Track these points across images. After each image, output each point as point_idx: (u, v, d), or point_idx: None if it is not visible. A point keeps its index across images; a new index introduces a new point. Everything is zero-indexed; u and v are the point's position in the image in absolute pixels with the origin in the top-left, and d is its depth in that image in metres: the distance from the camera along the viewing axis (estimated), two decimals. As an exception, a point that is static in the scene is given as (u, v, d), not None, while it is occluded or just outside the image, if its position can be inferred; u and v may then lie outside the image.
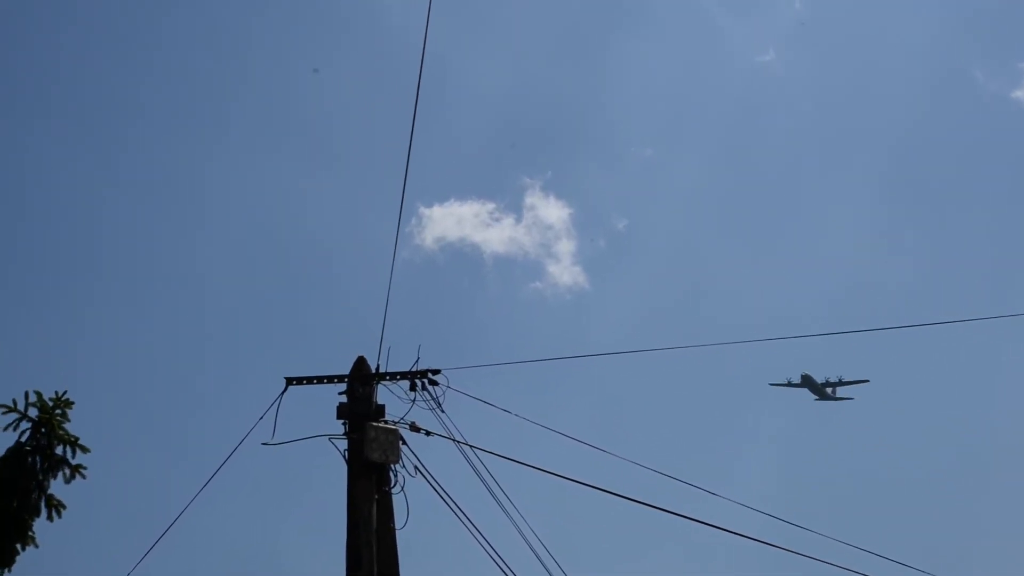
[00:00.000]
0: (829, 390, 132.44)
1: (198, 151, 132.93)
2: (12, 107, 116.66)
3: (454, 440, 18.39)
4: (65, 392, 22.92)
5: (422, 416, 18.34)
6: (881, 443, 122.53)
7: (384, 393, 18.47)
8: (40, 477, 22.46)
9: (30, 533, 22.26)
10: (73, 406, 22.90)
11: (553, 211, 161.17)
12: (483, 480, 18.57)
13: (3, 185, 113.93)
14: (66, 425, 22.82)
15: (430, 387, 18.47)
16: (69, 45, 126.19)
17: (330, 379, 18.49)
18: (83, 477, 22.81)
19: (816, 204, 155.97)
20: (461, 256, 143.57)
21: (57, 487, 22.67)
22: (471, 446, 18.43)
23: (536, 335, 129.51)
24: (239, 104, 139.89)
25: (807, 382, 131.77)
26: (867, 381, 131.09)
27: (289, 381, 18.44)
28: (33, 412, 22.68)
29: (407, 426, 18.22)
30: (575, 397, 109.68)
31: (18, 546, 22.15)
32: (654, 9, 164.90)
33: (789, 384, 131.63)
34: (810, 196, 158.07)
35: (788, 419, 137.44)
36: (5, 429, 22.52)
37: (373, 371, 18.40)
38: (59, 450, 22.71)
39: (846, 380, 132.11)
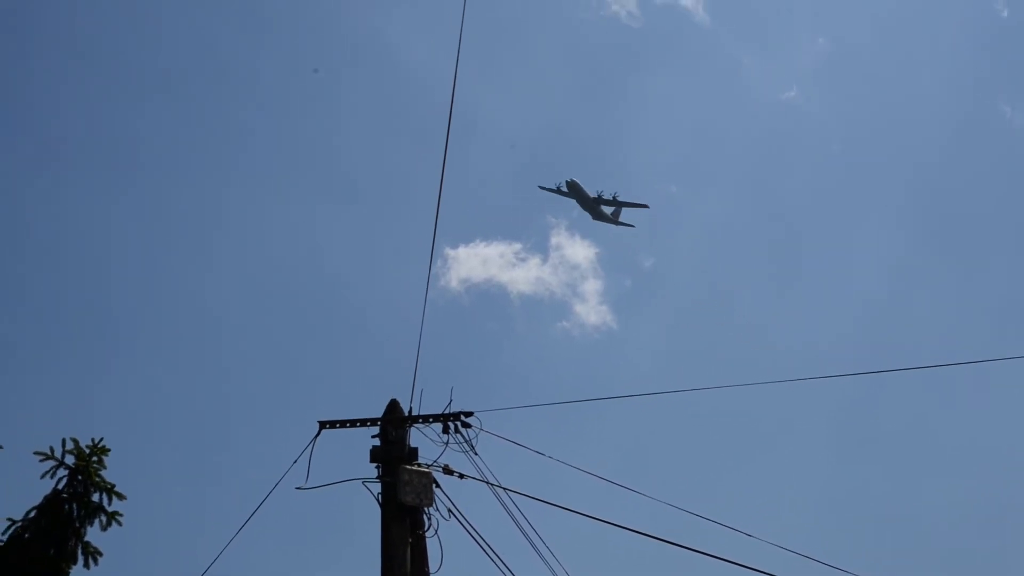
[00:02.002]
0: (609, 210, 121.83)
1: (228, 195, 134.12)
2: (17, 149, 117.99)
3: (487, 483, 18.36)
4: (101, 439, 23.09)
5: (455, 458, 18.32)
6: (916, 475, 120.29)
7: (417, 436, 18.44)
8: (77, 524, 22.59)
9: (67, 581, 22.36)
10: (109, 453, 23.08)
11: (579, 251, 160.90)
12: (517, 522, 18.55)
13: (23, 236, 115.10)
14: (102, 472, 22.98)
15: (463, 429, 18.44)
16: (72, 88, 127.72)
17: (363, 422, 18.46)
18: (119, 524, 22.94)
19: (842, 240, 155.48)
20: (488, 297, 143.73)
21: (93, 534, 22.83)
22: (504, 488, 18.39)
23: (564, 374, 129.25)
24: (262, 149, 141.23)
25: (573, 190, 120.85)
26: (646, 206, 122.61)
27: (322, 425, 18.44)
28: (70, 459, 22.85)
29: (440, 469, 18.16)
30: (605, 435, 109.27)
31: (56, 593, 22.25)
32: (677, 47, 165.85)
33: (558, 191, 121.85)
34: (836, 232, 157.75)
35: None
36: (43, 477, 22.69)
37: (406, 414, 18.42)
38: (95, 497, 22.86)
39: (622, 200, 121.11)
